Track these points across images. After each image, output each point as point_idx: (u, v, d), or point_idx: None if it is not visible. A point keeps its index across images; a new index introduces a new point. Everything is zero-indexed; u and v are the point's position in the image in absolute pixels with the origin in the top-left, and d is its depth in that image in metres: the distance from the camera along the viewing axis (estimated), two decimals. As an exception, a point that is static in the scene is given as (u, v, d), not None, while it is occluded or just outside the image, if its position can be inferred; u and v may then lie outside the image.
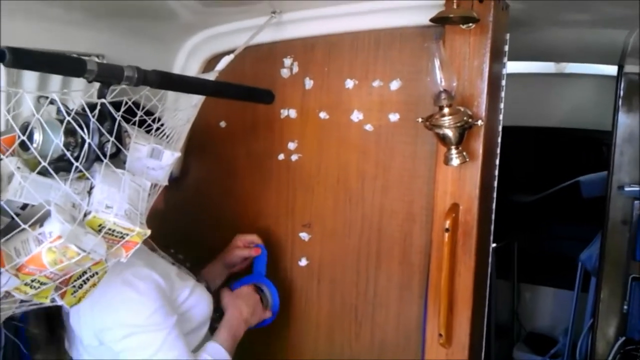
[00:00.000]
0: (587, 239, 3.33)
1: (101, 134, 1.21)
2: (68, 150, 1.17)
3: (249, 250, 1.88)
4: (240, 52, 1.68)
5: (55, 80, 1.44)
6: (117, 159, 1.29)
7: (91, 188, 1.23)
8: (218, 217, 2.11)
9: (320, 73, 1.86)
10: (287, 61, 1.90)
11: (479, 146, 1.55)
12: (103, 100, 1.17)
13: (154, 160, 1.36)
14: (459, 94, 1.52)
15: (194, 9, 1.67)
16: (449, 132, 1.44)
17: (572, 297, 3.57)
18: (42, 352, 1.88)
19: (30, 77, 1.37)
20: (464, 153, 1.47)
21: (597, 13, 1.74)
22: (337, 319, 1.96)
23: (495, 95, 1.63)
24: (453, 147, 1.46)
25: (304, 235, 1.96)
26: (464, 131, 1.46)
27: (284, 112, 1.93)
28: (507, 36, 1.67)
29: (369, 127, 1.81)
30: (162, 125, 1.41)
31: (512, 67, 1.83)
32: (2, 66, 1.09)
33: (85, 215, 1.19)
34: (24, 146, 1.16)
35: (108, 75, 1.13)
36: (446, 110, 1.43)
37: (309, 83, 1.88)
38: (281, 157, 1.97)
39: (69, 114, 1.14)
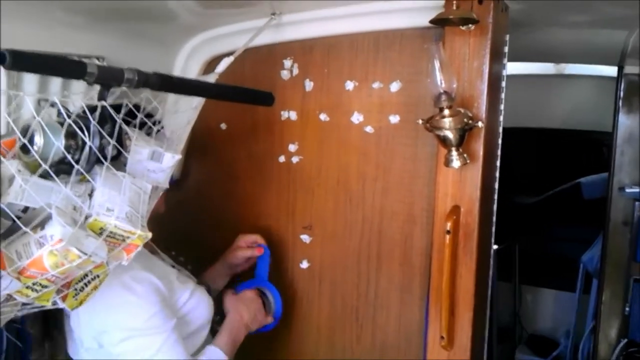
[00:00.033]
0: (589, 240, 3.33)
1: (102, 137, 1.21)
2: (69, 153, 1.17)
3: (252, 250, 1.88)
4: (240, 54, 1.68)
5: (56, 82, 1.44)
6: (118, 161, 1.30)
7: (92, 191, 1.23)
8: (219, 219, 2.11)
9: (320, 75, 1.86)
10: (287, 63, 1.90)
11: (479, 148, 1.54)
12: (103, 102, 1.17)
13: (154, 162, 1.36)
14: (459, 95, 1.51)
15: (193, 11, 1.67)
16: (450, 134, 1.44)
17: (573, 299, 3.57)
18: (36, 352, 1.88)
19: (30, 80, 1.37)
20: (465, 155, 1.47)
21: (596, 14, 1.74)
22: (338, 321, 1.96)
23: (496, 97, 1.63)
24: (453, 148, 1.46)
25: (304, 237, 1.96)
26: (465, 133, 1.46)
27: (285, 114, 1.93)
28: (507, 37, 1.67)
29: (369, 128, 1.81)
30: (162, 127, 1.41)
31: (512, 68, 1.83)
32: (2, 69, 1.09)
33: (86, 218, 1.19)
34: (24, 149, 1.17)
35: (108, 78, 1.13)
36: (446, 111, 1.43)
37: (309, 85, 1.88)
38: (282, 159, 1.97)
39: (69, 117, 1.14)
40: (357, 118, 1.82)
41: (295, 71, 1.90)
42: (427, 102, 1.53)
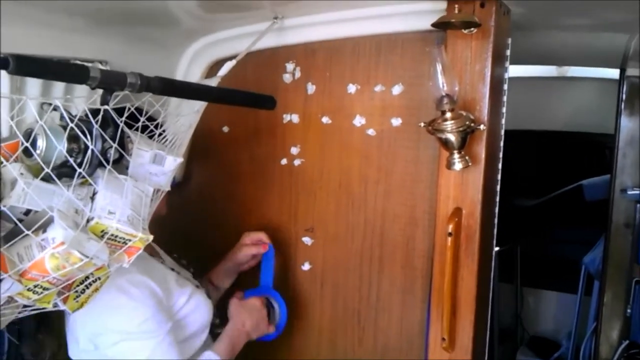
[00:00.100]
0: (590, 242, 3.33)
1: (104, 140, 1.21)
2: (71, 156, 1.17)
3: (257, 247, 1.87)
4: (243, 58, 1.69)
5: (59, 86, 1.44)
6: (120, 164, 1.30)
7: (94, 194, 1.23)
8: (221, 221, 2.11)
9: (322, 78, 1.87)
10: (289, 66, 1.90)
11: (481, 150, 1.55)
12: (106, 106, 1.18)
13: (156, 166, 1.37)
14: (461, 98, 1.52)
15: (196, 15, 1.68)
16: (452, 137, 1.44)
17: (575, 301, 3.56)
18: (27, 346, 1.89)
19: (33, 84, 1.37)
20: (467, 157, 1.47)
21: (598, 17, 1.74)
22: (339, 324, 1.96)
23: (497, 99, 1.63)
24: (455, 151, 1.46)
25: (306, 240, 1.96)
26: (467, 135, 1.46)
27: (287, 117, 1.94)
28: (509, 40, 1.67)
29: (371, 131, 1.81)
30: (164, 131, 1.42)
31: (514, 70, 1.82)
32: (5, 73, 1.10)
33: (88, 221, 1.19)
34: (27, 152, 1.17)
35: (111, 82, 1.14)
36: (448, 114, 1.43)
37: (311, 88, 1.88)
38: (284, 161, 1.97)
39: (72, 121, 1.14)
40: (359, 121, 1.82)
41: (298, 74, 1.90)
42: (429, 105, 1.53)
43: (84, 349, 1.53)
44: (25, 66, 0.98)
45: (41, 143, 1.16)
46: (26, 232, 1.09)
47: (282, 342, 1.99)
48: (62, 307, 1.24)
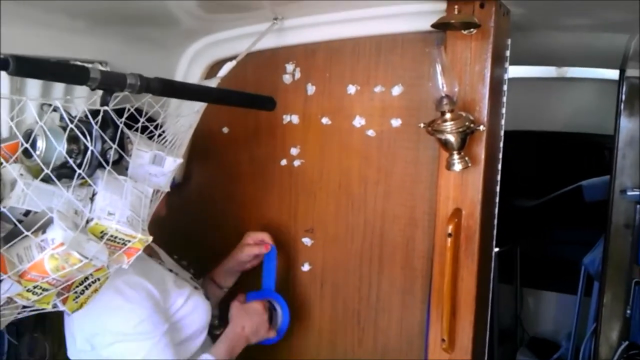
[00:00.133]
0: (590, 243, 3.33)
1: (104, 141, 1.21)
2: (71, 157, 1.17)
3: (259, 247, 1.86)
4: (243, 58, 1.69)
5: (59, 87, 1.44)
6: (120, 165, 1.30)
7: (93, 195, 1.23)
8: (221, 222, 2.11)
9: (322, 79, 1.87)
10: (289, 67, 1.90)
11: (481, 151, 1.55)
12: (106, 107, 1.18)
13: (156, 166, 1.37)
14: (461, 99, 1.52)
15: (196, 16, 1.68)
16: (451, 137, 1.44)
17: (575, 302, 3.56)
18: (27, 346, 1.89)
19: (33, 84, 1.37)
20: (466, 158, 1.47)
21: (597, 18, 1.74)
22: (339, 324, 1.96)
23: (497, 100, 1.63)
24: (455, 152, 1.46)
25: (306, 241, 1.96)
26: (466, 136, 1.46)
27: (287, 118, 1.94)
28: (509, 41, 1.67)
29: (371, 132, 1.81)
30: (164, 131, 1.42)
31: (514, 71, 1.83)
32: (5, 74, 1.10)
33: (87, 222, 1.19)
34: (27, 153, 1.17)
35: (111, 83, 1.14)
36: (448, 115, 1.43)
37: (311, 89, 1.88)
38: (284, 162, 1.97)
39: (71, 121, 1.14)
40: (359, 122, 1.82)
41: (297, 75, 1.90)
42: (429, 105, 1.53)
43: (81, 349, 1.53)
44: (25, 67, 0.98)
45: (41, 144, 1.16)
46: (26, 233, 1.09)
47: (282, 342, 1.98)
48: (61, 307, 1.24)
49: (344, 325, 1.95)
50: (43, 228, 1.13)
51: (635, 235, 2.71)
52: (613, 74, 2.82)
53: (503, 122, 1.72)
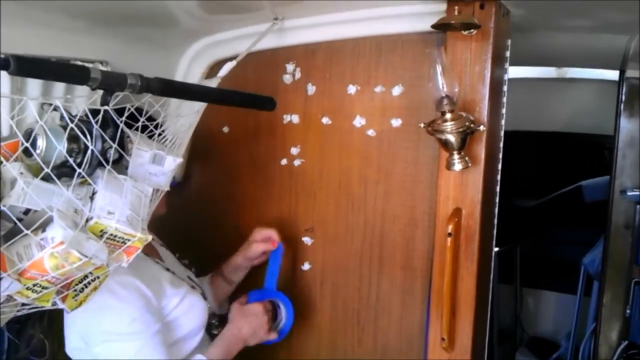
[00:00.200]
0: (590, 243, 3.33)
1: (104, 141, 1.21)
2: (71, 156, 1.17)
3: (266, 244, 1.85)
4: (243, 58, 1.69)
5: (59, 86, 1.44)
6: (120, 164, 1.30)
7: (93, 193, 1.23)
8: (221, 222, 2.11)
9: (323, 79, 1.87)
10: (290, 67, 1.90)
11: (481, 151, 1.55)
12: (106, 107, 1.18)
13: (156, 166, 1.37)
14: (461, 99, 1.52)
15: (196, 16, 1.68)
16: (451, 137, 1.44)
17: (574, 302, 3.56)
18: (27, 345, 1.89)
19: (34, 84, 1.37)
20: (466, 158, 1.47)
21: (597, 18, 1.75)
22: (339, 324, 1.96)
23: (497, 100, 1.64)
24: (455, 152, 1.46)
25: (306, 240, 1.97)
26: (466, 136, 1.46)
27: (287, 118, 1.94)
28: (509, 42, 1.67)
29: (371, 132, 1.81)
30: (164, 131, 1.42)
31: (514, 72, 1.83)
32: (6, 73, 1.10)
33: (87, 220, 1.19)
34: (27, 152, 1.17)
35: (111, 83, 1.14)
36: (448, 115, 1.44)
37: (311, 89, 1.89)
38: (284, 162, 1.97)
39: (72, 121, 1.15)
40: (359, 121, 1.82)
41: (298, 75, 1.90)
42: (429, 106, 1.53)
43: (75, 347, 1.54)
44: (25, 67, 0.98)
45: (41, 143, 1.16)
46: (25, 231, 1.09)
47: (282, 342, 1.98)
48: (60, 305, 1.24)
49: (343, 325, 1.95)
50: (43, 227, 1.13)
51: (635, 236, 2.71)
52: (613, 74, 2.82)
53: (503, 122, 1.72)
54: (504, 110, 1.72)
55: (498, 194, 1.75)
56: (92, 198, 1.23)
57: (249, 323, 1.73)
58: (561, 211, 3.85)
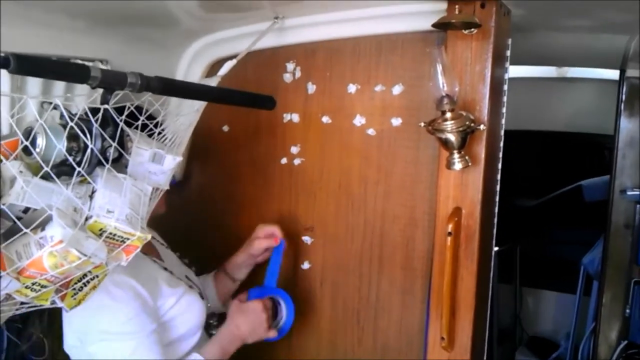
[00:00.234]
0: (590, 242, 3.33)
1: (104, 139, 1.21)
2: (70, 155, 1.17)
3: (269, 240, 1.84)
4: (243, 57, 1.68)
5: (59, 84, 1.44)
6: (119, 163, 1.30)
7: (93, 192, 1.23)
8: (221, 221, 2.11)
9: (323, 78, 1.87)
10: (290, 66, 1.90)
11: (481, 150, 1.55)
12: (106, 106, 1.17)
13: (155, 164, 1.37)
14: (461, 98, 1.52)
15: (196, 15, 1.68)
16: (452, 137, 1.44)
17: (574, 301, 3.57)
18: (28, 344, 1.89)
19: (34, 82, 1.37)
20: (467, 157, 1.47)
21: (598, 18, 1.74)
22: (339, 324, 1.96)
23: (497, 100, 1.63)
24: (455, 151, 1.46)
25: (306, 239, 1.97)
26: (467, 135, 1.46)
27: (287, 117, 1.94)
28: (509, 41, 1.67)
29: (371, 131, 1.81)
30: (164, 129, 1.42)
31: (514, 71, 1.82)
32: (6, 72, 1.10)
33: (86, 219, 1.19)
34: (27, 151, 1.17)
35: (111, 82, 1.14)
36: (448, 114, 1.43)
37: (311, 88, 1.88)
38: (284, 161, 1.97)
39: (72, 119, 1.14)
40: (359, 121, 1.82)
41: (298, 74, 1.90)
42: (429, 105, 1.53)
43: (72, 345, 1.54)
44: (25, 65, 0.98)
45: (41, 141, 1.16)
46: (25, 230, 1.09)
47: (282, 341, 1.98)
48: (59, 304, 1.24)
49: (343, 325, 1.95)
50: (42, 225, 1.13)
51: (635, 235, 2.71)
52: (613, 74, 2.81)
53: (503, 121, 1.72)
54: (504, 110, 1.71)
55: (498, 193, 1.75)
56: (91, 197, 1.23)
57: (247, 320, 1.72)
58: (561, 211, 3.85)
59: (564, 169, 3.94)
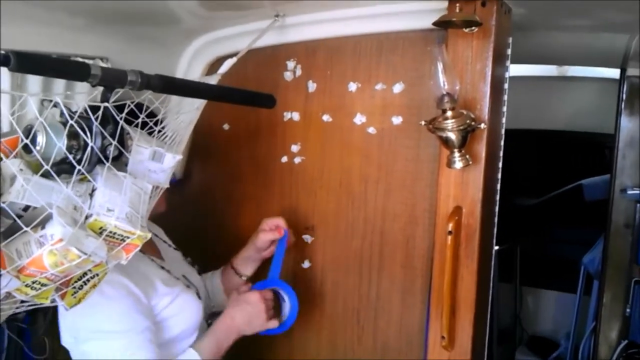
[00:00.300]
0: (590, 242, 3.33)
1: (104, 137, 1.21)
2: (71, 153, 1.17)
3: (273, 233, 1.83)
4: (244, 55, 1.68)
5: (60, 82, 1.44)
6: (119, 161, 1.30)
7: (93, 191, 1.23)
8: (221, 219, 2.11)
9: (323, 76, 1.87)
10: (290, 64, 1.90)
11: (481, 149, 1.54)
12: (106, 104, 1.17)
13: (155, 162, 1.37)
14: (462, 97, 1.51)
15: (196, 14, 1.67)
16: (452, 135, 1.44)
17: (574, 301, 3.56)
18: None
19: (34, 80, 1.37)
20: (467, 156, 1.47)
21: (598, 18, 1.74)
22: (339, 322, 1.96)
23: (498, 99, 1.63)
24: (456, 150, 1.46)
25: (306, 238, 1.96)
26: (467, 134, 1.46)
27: (287, 115, 1.93)
28: (510, 40, 1.67)
29: (371, 130, 1.81)
30: (164, 127, 1.41)
31: (515, 70, 1.82)
32: (6, 69, 1.10)
33: (86, 217, 1.19)
34: (27, 149, 1.17)
35: (112, 80, 1.13)
36: (449, 113, 1.43)
37: (312, 86, 1.88)
38: (284, 159, 1.97)
39: (72, 117, 1.14)
40: (359, 119, 1.82)
41: (298, 72, 1.90)
42: (430, 103, 1.53)
43: (66, 341, 1.54)
44: (26, 63, 0.98)
45: (41, 139, 1.16)
46: (25, 228, 1.09)
47: (281, 340, 1.99)
48: (59, 303, 1.24)
49: (343, 324, 1.95)
50: (42, 224, 1.13)
51: (635, 235, 2.71)
52: (614, 73, 2.82)
53: (504, 120, 1.72)
54: (504, 109, 1.71)
55: (498, 192, 1.75)
56: (91, 195, 1.23)
57: (243, 311, 1.68)
58: (561, 210, 3.85)
59: (565, 168, 3.94)
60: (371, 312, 1.90)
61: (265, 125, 1.99)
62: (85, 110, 1.20)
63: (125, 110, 1.24)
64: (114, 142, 1.22)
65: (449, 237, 1.52)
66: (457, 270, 1.58)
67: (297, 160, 1.94)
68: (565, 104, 3.82)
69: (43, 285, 1.15)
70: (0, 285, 1.11)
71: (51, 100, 1.18)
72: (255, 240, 1.85)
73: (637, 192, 2.67)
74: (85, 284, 1.25)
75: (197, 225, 2.13)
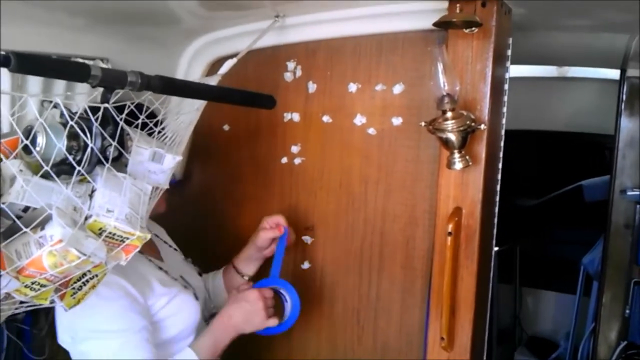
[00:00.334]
0: (590, 243, 3.33)
1: (104, 138, 1.21)
2: (70, 154, 1.17)
3: (274, 231, 1.81)
4: (244, 56, 1.68)
5: (60, 83, 1.44)
6: (119, 162, 1.30)
7: (93, 191, 1.23)
8: (221, 220, 2.11)
9: (324, 77, 1.86)
10: (290, 65, 1.90)
11: (481, 150, 1.54)
12: (106, 105, 1.17)
13: (155, 163, 1.37)
14: (462, 98, 1.51)
15: (197, 14, 1.67)
16: (452, 136, 1.44)
17: (574, 301, 3.57)
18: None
19: (34, 81, 1.37)
20: (467, 157, 1.47)
21: (598, 18, 1.74)
22: (339, 323, 1.96)
23: (498, 99, 1.63)
24: (456, 151, 1.46)
25: (306, 239, 1.96)
26: (467, 135, 1.46)
27: (287, 116, 1.93)
28: (510, 40, 1.67)
29: (372, 130, 1.81)
30: (164, 128, 1.41)
31: (515, 70, 1.82)
32: (6, 70, 1.10)
33: (86, 218, 1.19)
34: (27, 149, 1.17)
35: (112, 81, 1.13)
36: (449, 114, 1.43)
37: (312, 87, 1.88)
38: (284, 160, 1.97)
39: (72, 118, 1.14)
40: (359, 120, 1.82)
41: (299, 73, 1.90)
42: (430, 104, 1.52)
43: (63, 341, 1.54)
44: (26, 64, 0.98)
45: (41, 140, 1.16)
46: (24, 229, 1.09)
47: (281, 340, 1.99)
48: (59, 303, 1.24)
49: (343, 324, 1.95)
50: (42, 224, 1.13)
51: (635, 235, 2.71)
52: (614, 73, 2.81)
53: (504, 121, 1.72)
54: (505, 109, 1.71)
55: (498, 193, 1.75)
56: (91, 196, 1.23)
57: (241, 309, 1.66)
58: (561, 211, 3.85)
59: (564, 168, 3.94)
60: (371, 313, 1.90)
61: (266, 126, 1.99)
62: (85, 111, 1.20)
63: (125, 111, 1.24)
64: (114, 143, 1.22)
65: (449, 238, 1.52)
66: (456, 271, 1.58)
67: (297, 161, 1.94)
68: (565, 104, 3.82)
69: (42, 286, 1.15)
70: (0, 286, 1.11)
71: (51, 101, 1.18)
72: (255, 239, 1.84)
73: (637, 193, 2.68)
74: (85, 284, 1.25)
75: (197, 226, 2.13)
